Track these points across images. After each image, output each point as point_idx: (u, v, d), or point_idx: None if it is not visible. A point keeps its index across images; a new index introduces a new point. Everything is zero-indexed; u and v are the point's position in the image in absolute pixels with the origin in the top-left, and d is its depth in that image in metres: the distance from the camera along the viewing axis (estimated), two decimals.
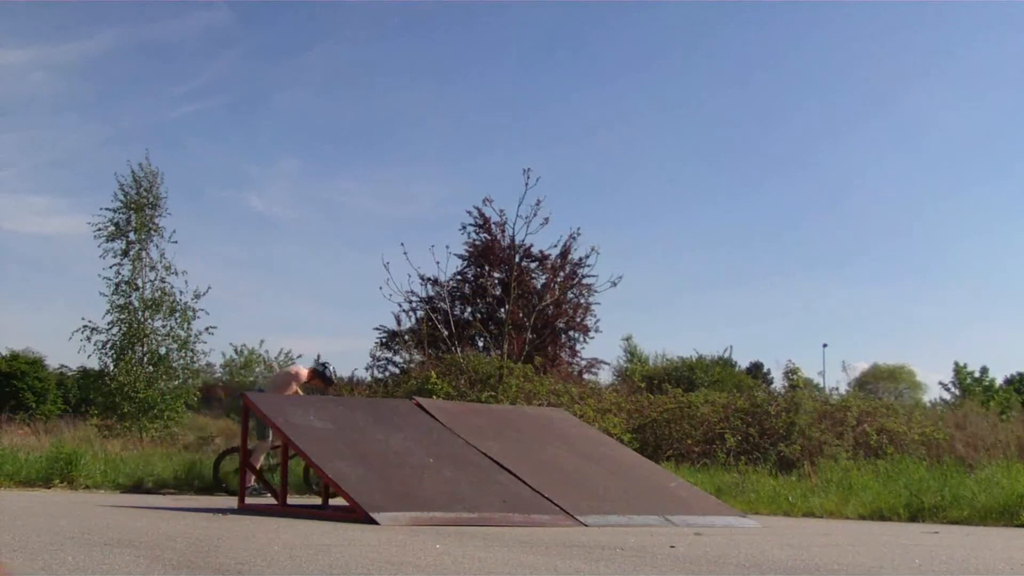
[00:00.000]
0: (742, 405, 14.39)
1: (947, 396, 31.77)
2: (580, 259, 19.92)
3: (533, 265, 20.24)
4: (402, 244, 19.16)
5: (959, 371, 33.93)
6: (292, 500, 7.89)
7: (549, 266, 20.06)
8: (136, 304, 19.31)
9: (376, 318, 35.75)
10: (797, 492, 9.30)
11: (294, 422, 6.74)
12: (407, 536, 4.61)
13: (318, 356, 9.80)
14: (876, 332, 51.33)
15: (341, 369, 41.85)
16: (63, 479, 10.14)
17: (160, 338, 19.42)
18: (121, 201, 19.62)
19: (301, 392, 9.83)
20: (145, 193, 19.76)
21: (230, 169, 47.60)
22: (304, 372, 9.95)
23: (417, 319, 19.54)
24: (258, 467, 9.12)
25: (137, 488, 10.16)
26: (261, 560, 3.38)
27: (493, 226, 20.10)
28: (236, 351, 28.97)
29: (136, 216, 19.55)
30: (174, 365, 19.42)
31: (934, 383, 60.26)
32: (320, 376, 9.86)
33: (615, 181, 48.48)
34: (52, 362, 32.07)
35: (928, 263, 52.48)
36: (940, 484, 8.34)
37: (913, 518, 7.88)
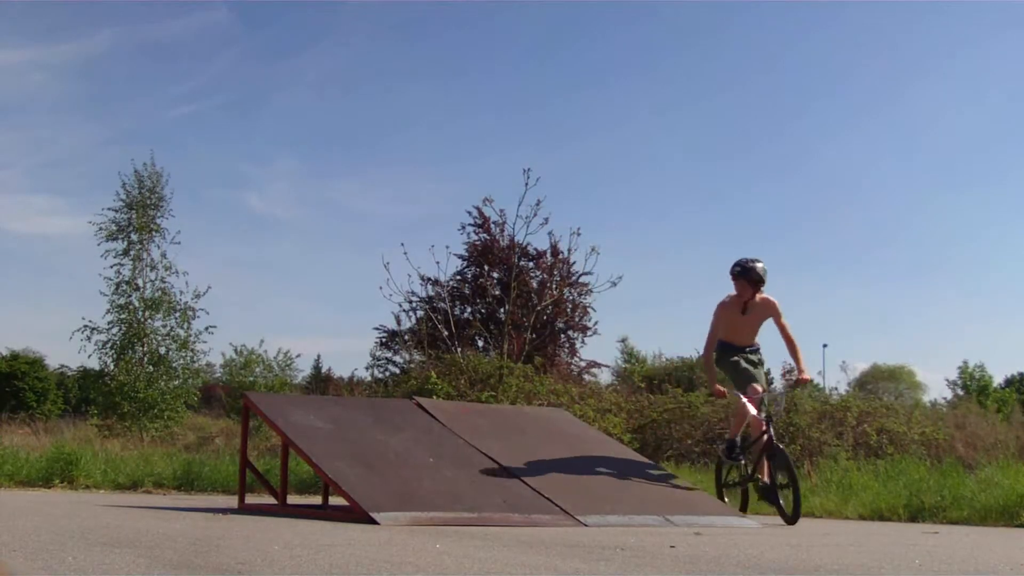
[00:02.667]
0: None
1: (949, 395, 31.83)
2: (570, 252, 19.78)
3: (530, 264, 20.25)
4: (402, 244, 19.18)
5: (963, 371, 34.02)
6: (292, 500, 7.89)
7: (545, 265, 20.06)
8: (136, 304, 19.33)
9: (376, 318, 35.79)
10: None
11: (294, 422, 6.74)
12: (407, 536, 4.61)
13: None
14: (876, 332, 51.38)
15: (341, 369, 41.83)
16: (63, 479, 10.14)
17: (160, 338, 19.44)
18: (123, 201, 19.66)
19: (738, 319, 7.25)
20: (148, 193, 19.79)
21: (229, 169, 47.71)
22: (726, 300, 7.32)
23: (417, 319, 19.54)
24: (738, 435, 7.29)
25: (137, 488, 10.16)
26: (261, 560, 3.38)
27: (492, 226, 20.12)
28: (236, 351, 28.97)
29: (137, 215, 19.57)
30: (174, 365, 19.44)
31: (934, 383, 60.35)
32: (743, 274, 7.14)
33: (615, 181, 48.49)
34: (52, 362, 32.13)
35: (929, 263, 52.53)
36: (940, 484, 8.34)
37: (913, 518, 7.87)
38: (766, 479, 6.95)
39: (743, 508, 7.38)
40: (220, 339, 56.27)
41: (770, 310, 7.23)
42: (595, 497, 6.50)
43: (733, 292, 7.28)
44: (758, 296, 7.18)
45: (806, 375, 7.35)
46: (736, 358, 7.27)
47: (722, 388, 7.35)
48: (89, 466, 10.42)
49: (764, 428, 6.79)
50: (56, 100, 47.11)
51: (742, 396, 7.08)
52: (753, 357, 7.37)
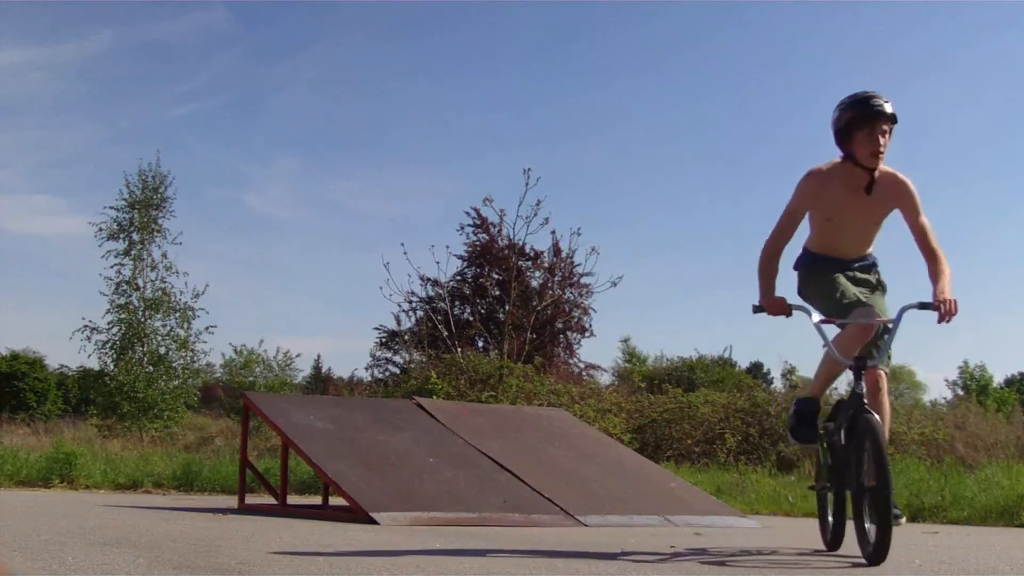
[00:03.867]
0: (742, 405, 14.39)
1: (949, 395, 31.86)
2: (571, 252, 19.78)
3: (528, 265, 20.24)
4: (402, 244, 19.22)
5: (964, 371, 34.04)
6: (292, 500, 7.88)
7: (544, 265, 20.07)
8: (136, 304, 19.33)
9: (376, 318, 35.75)
10: (797, 492, 9.30)
11: (294, 422, 6.74)
12: (407, 536, 4.61)
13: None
14: None
15: (341, 369, 41.81)
16: (63, 479, 10.14)
17: (160, 338, 19.44)
18: (125, 200, 19.67)
19: (854, 204, 4.09)
20: (151, 193, 19.80)
21: (228, 169, 47.44)
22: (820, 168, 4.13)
23: (417, 319, 19.55)
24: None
25: (137, 488, 10.16)
26: (261, 560, 3.38)
27: (491, 226, 20.13)
28: (236, 351, 28.99)
29: (138, 215, 19.58)
30: (174, 365, 19.44)
31: (934, 383, 60.33)
32: (877, 113, 3.95)
33: (615, 181, 48.43)
34: (52, 362, 32.08)
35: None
36: (940, 484, 8.34)
37: (913, 518, 7.87)
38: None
39: (836, 542, 4.37)
40: (220, 339, 56.29)
41: (903, 197, 4.06)
42: (595, 497, 6.50)
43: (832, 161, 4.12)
44: (883, 169, 4.03)
45: (947, 293, 3.84)
46: (836, 274, 4.20)
47: (783, 300, 4.03)
48: (89, 466, 10.42)
49: (855, 388, 3.88)
50: (56, 100, 46.95)
51: (815, 321, 4.01)
52: (868, 276, 4.32)
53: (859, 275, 4.28)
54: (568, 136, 46.12)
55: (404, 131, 47.09)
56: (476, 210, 20.15)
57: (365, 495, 5.71)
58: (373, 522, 5.34)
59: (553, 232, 20.33)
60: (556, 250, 19.84)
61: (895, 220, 4.15)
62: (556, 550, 4.14)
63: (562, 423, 8.54)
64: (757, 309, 4.03)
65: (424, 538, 4.49)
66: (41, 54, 44.16)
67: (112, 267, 19.38)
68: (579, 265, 19.80)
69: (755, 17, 46.37)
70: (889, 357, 4.13)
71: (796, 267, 4.37)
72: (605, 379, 22.62)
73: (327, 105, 47.81)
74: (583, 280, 19.96)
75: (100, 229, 19.37)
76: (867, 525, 3.66)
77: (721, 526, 6.27)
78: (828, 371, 4.22)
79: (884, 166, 4.04)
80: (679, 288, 49.65)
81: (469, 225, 20.33)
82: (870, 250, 4.37)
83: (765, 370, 33.59)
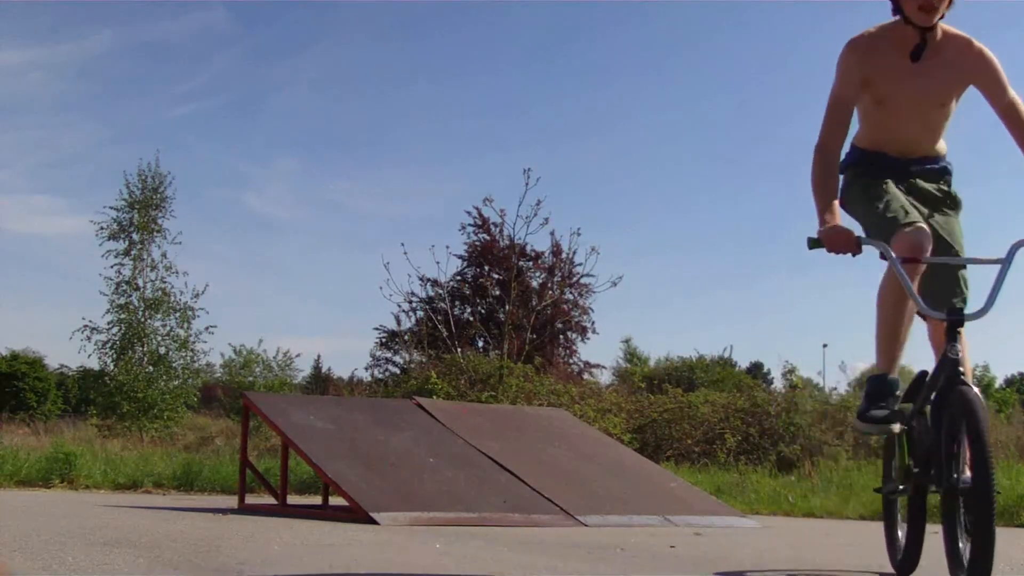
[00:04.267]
0: (742, 405, 14.40)
1: None
2: (571, 253, 19.81)
3: (529, 264, 20.28)
4: (402, 244, 19.24)
5: None
6: (292, 500, 7.88)
7: (545, 266, 20.08)
8: (136, 304, 19.35)
9: (376, 318, 35.79)
10: (797, 492, 9.30)
11: (294, 422, 6.74)
12: (407, 536, 4.61)
13: None
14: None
15: (341, 369, 41.78)
16: (63, 479, 10.14)
17: (160, 338, 19.46)
18: (125, 200, 19.68)
19: (903, 78, 3.13)
20: (151, 193, 19.81)
21: (228, 169, 47.49)
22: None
23: (417, 319, 19.57)
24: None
25: (137, 488, 10.16)
26: (261, 560, 3.38)
27: (492, 227, 20.15)
28: (235, 351, 29.00)
29: (138, 215, 19.60)
30: (174, 365, 19.46)
31: None
32: None
33: (615, 181, 48.46)
34: (52, 362, 32.12)
35: None
36: None
37: None
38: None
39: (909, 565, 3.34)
40: (220, 339, 56.33)
41: (980, 65, 3.17)
42: (595, 497, 6.50)
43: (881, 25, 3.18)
44: (943, 29, 3.15)
45: None
46: (887, 180, 3.23)
47: (850, 233, 2.93)
48: (89, 466, 10.42)
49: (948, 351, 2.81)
50: (56, 100, 47.01)
51: (895, 259, 2.92)
52: (931, 186, 3.33)
53: (920, 183, 3.26)
54: (568, 136, 46.16)
55: (404, 131, 47.12)
56: (477, 210, 20.20)
57: (365, 495, 5.71)
58: (373, 522, 5.34)
59: (553, 232, 20.44)
60: (556, 250, 19.88)
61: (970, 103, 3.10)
62: (556, 550, 4.14)
63: (562, 423, 8.54)
64: (813, 243, 2.95)
65: (424, 538, 4.49)
66: (41, 54, 44.23)
67: (112, 267, 19.43)
68: (579, 265, 19.84)
69: (755, 17, 46.43)
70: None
71: (841, 170, 3.27)
72: (605, 378, 22.67)
73: (327, 105, 47.86)
74: (583, 280, 19.99)
75: (101, 228, 19.43)
76: (961, 544, 2.72)
77: (721, 526, 6.27)
78: (895, 330, 3.09)
79: (953, 29, 3.16)
80: (679, 288, 49.71)
81: (470, 225, 20.37)
82: (940, 148, 3.32)
83: (765, 370, 33.63)
